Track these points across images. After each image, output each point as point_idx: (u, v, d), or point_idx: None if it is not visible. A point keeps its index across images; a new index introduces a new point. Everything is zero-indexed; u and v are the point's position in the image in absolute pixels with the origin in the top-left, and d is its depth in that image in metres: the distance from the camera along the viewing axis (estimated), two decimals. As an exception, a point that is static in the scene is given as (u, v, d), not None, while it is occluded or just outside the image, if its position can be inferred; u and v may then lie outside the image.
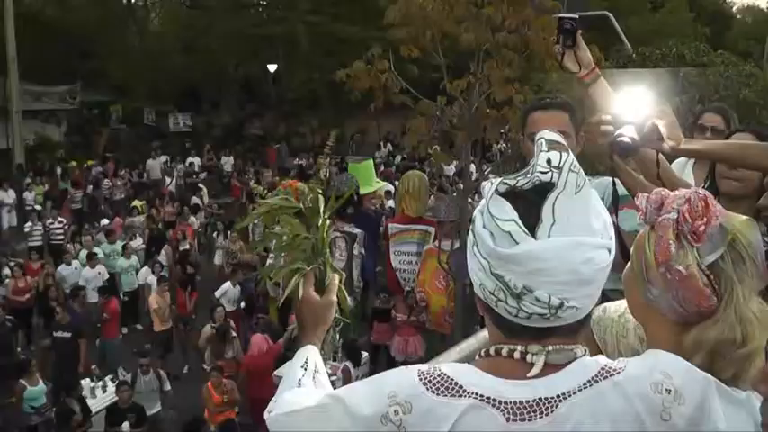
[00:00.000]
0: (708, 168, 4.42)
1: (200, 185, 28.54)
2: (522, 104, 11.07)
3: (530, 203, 1.57)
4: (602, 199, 3.49)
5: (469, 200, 12.78)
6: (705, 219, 1.77)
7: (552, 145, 1.61)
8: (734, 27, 55.49)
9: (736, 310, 1.76)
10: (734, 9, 62.61)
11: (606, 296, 3.04)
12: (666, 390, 1.58)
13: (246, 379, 12.45)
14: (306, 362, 2.03)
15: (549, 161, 1.59)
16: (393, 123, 33.40)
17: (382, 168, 28.46)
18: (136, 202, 25.01)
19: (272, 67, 37.88)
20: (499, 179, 1.63)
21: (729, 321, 1.75)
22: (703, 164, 4.93)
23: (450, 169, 23.31)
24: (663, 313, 1.85)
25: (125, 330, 17.29)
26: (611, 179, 3.59)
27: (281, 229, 2.33)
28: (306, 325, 2.24)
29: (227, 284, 16.21)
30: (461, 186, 14.53)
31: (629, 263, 1.98)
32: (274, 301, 13.00)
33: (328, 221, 2.34)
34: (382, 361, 13.31)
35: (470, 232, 1.65)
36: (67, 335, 14.10)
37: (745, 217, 1.88)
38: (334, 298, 2.30)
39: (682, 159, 5.34)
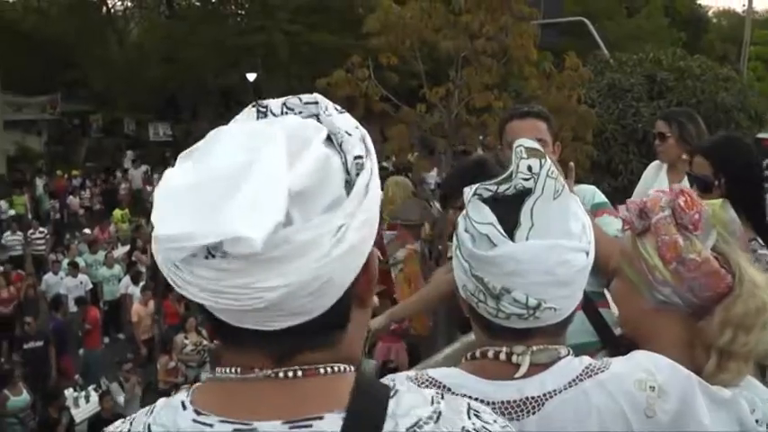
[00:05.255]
0: (683, 172, 4.53)
1: None
2: (501, 111, 11.13)
3: (509, 207, 1.62)
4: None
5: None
6: (695, 208, 1.85)
7: (531, 152, 1.66)
8: (710, 30, 55.70)
9: (752, 280, 1.84)
10: (710, 13, 62.87)
11: (588, 297, 3.12)
12: (650, 387, 1.61)
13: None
14: None
15: (530, 168, 1.63)
16: (372, 131, 33.40)
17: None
18: (116, 212, 24.93)
19: (251, 77, 37.81)
20: (479, 184, 1.69)
21: (749, 292, 1.83)
22: (677, 168, 5.06)
23: (432, 176, 23.30)
24: (675, 310, 1.90)
25: (107, 340, 17.20)
26: (592, 187, 3.67)
27: None
28: None
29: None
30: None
31: (616, 279, 2.02)
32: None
33: None
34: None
35: (454, 236, 1.71)
36: (40, 343, 14.05)
37: (717, 200, 1.96)
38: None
39: (655, 163, 5.46)
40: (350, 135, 1.16)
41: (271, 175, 1.04)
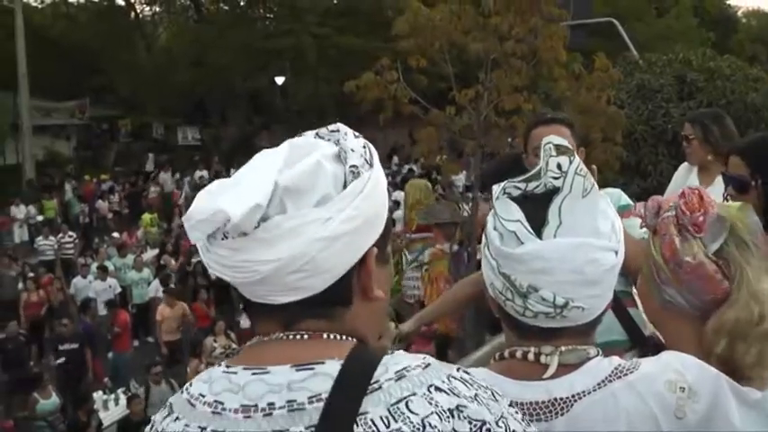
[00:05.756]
0: (715, 173, 4.49)
1: None
2: (531, 113, 11.09)
3: (537, 205, 1.62)
4: None
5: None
6: (702, 210, 1.82)
7: (560, 150, 1.65)
8: (739, 30, 55.33)
9: (749, 290, 1.79)
10: (739, 13, 62.40)
11: (617, 297, 3.09)
12: (680, 388, 1.60)
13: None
14: None
15: (559, 166, 1.63)
16: (400, 134, 33.45)
17: (390, 179, 28.42)
18: (145, 216, 25.11)
19: (279, 80, 37.90)
20: (507, 181, 1.68)
21: (744, 301, 1.78)
22: (708, 170, 5.03)
23: (460, 179, 23.22)
24: (682, 311, 1.87)
25: (136, 343, 17.29)
26: (617, 190, 3.66)
27: None
28: None
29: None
30: (470, 195, 14.50)
31: (640, 275, 2.01)
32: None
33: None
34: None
35: (483, 234, 1.70)
36: (75, 345, 14.17)
37: (738, 203, 1.93)
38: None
39: (686, 164, 5.43)
40: (353, 151, 1.42)
41: (263, 173, 1.35)
